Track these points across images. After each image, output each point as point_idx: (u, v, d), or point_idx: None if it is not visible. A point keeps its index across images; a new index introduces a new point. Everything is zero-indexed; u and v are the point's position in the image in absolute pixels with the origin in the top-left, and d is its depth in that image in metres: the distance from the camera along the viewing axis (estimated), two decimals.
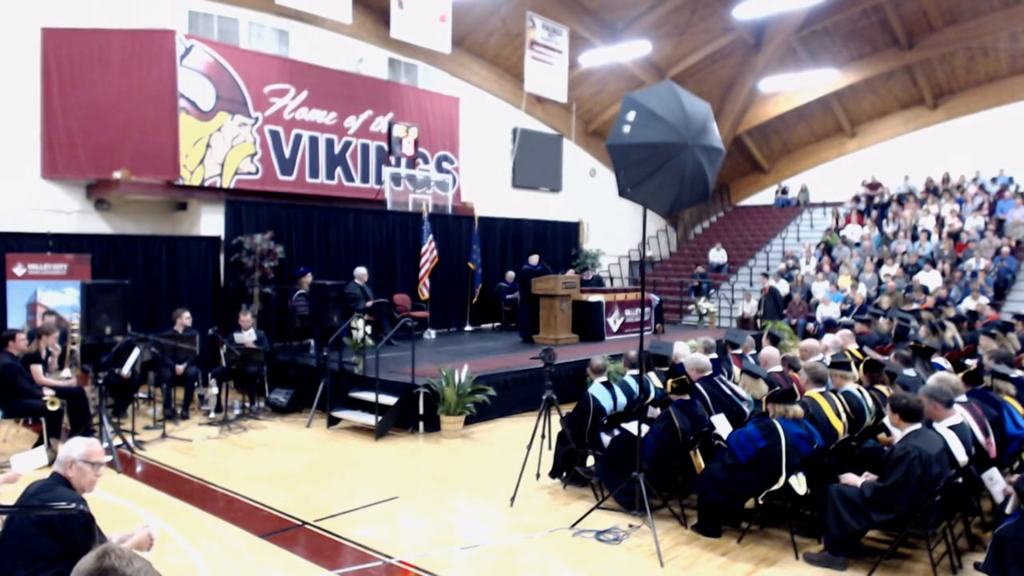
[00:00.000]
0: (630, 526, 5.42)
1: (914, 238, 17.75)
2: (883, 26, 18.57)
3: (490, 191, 17.58)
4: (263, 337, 9.54)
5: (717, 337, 9.31)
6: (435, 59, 16.33)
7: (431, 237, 13.05)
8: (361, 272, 11.55)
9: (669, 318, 16.23)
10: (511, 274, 14.37)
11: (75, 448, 3.40)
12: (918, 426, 4.61)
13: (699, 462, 5.50)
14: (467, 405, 8.24)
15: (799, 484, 4.92)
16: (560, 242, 16.18)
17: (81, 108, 11.43)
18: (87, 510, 3.21)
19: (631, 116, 4.81)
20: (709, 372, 6.35)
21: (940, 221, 18.03)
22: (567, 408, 6.54)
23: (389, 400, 8.37)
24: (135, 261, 10.57)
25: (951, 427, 4.79)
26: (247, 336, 9.34)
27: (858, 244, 18.51)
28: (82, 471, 3.39)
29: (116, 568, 1.79)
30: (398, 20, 13.64)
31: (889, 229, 18.78)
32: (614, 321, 12.65)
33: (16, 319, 9.34)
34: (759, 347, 7.96)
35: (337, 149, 14.21)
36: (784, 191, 23.13)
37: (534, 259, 13.73)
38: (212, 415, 8.92)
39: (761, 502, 5.12)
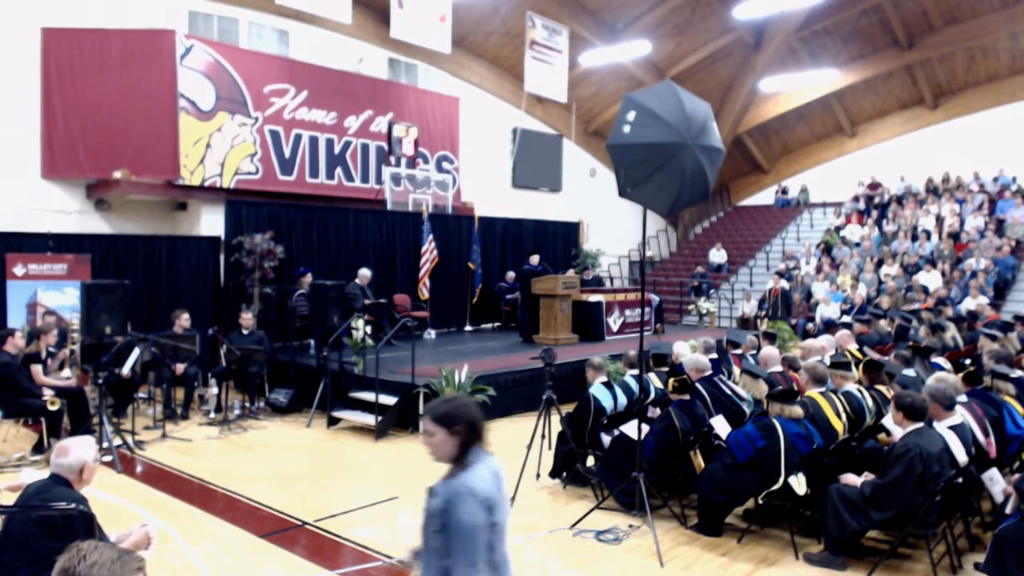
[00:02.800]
0: (630, 526, 5.42)
1: (914, 238, 17.75)
2: (883, 26, 18.58)
3: (490, 191, 17.58)
4: (263, 337, 9.54)
5: (717, 337, 9.31)
6: (435, 59, 16.33)
7: (431, 237, 13.04)
8: (365, 273, 11.53)
9: (669, 318, 16.22)
10: (511, 274, 14.36)
11: (87, 451, 3.39)
12: (920, 425, 4.61)
13: (699, 462, 5.51)
14: None
15: (799, 484, 4.92)
16: (560, 242, 16.17)
17: (81, 108, 11.43)
18: (88, 510, 3.21)
19: (631, 116, 4.81)
20: (709, 372, 6.35)
21: (940, 221, 18.03)
22: (567, 408, 6.53)
23: (389, 400, 8.36)
24: (135, 261, 10.55)
25: (951, 427, 4.79)
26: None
27: (858, 244, 18.51)
28: (93, 470, 3.43)
29: (72, 567, 1.84)
30: (398, 20, 13.64)
31: (889, 229, 18.77)
32: (614, 321, 12.65)
33: (16, 319, 9.33)
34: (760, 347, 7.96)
35: (337, 149, 14.21)
36: (784, 191, 23.14)
37: (534, 259, 13.72)
38: (212, 415, 8.92)
39: (761, 502, 5.13)
